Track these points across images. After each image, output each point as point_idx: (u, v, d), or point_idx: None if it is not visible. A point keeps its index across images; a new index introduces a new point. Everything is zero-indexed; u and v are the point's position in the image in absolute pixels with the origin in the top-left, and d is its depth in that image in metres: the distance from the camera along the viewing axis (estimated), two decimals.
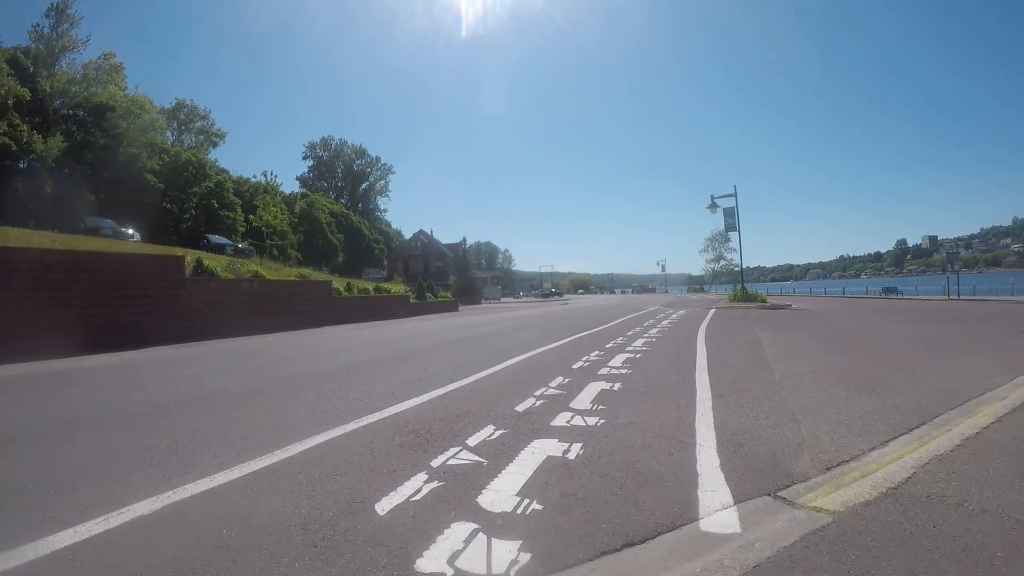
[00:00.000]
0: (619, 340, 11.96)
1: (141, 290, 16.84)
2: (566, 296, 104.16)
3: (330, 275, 31.37)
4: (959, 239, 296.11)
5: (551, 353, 10.12)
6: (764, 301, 30.32)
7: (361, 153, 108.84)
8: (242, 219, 55.91)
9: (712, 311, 24.16)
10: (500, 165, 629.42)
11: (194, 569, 2.50)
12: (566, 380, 7.08)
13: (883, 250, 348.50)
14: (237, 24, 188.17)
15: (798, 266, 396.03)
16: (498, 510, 3.07)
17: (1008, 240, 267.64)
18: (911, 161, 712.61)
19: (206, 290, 19.28)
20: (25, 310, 13.38)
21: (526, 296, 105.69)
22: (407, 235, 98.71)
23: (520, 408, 5.57)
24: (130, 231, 30.84)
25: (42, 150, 44.99)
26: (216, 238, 38.71)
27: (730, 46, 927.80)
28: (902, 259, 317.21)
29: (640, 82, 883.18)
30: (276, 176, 66.35)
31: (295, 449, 4.36)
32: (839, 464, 3.82)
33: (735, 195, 30.59)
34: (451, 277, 77.01)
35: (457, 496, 3.30)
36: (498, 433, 4.64)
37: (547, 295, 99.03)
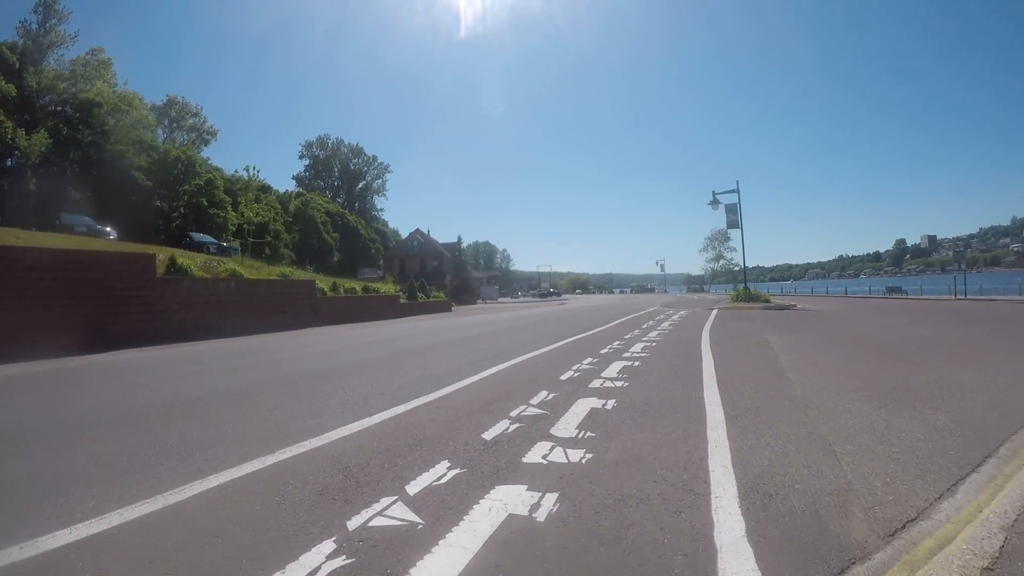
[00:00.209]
0: (616, 345, 10.90)
1: (108, 290, 15.82)
2: (564, 296, 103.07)
3: (316, 274, 30.30)
4: (958, 239, 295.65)
5: (539, 360, 9.06)
6: (768, 301, 29.19)
7: (358, 152, 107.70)
8: (233, 217, 54.78)
9: (714, 312, 23.09)
10: (499, 165, 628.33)
11: None
12: (551, 395, 6.01)
13: (882, 250, 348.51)
14: (235, 23, 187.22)
15: (797, 266, 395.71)
16: None
17: (1007, 240, 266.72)
18: (910, 161, 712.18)
19: (179, 290, 18.25)
20: None
21: (524, 296, 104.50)
22: (404, 235, 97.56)
23: (488, 435, 4.50)
24: (107, 229, 29.75)
25: (26, 147, 43.86)
26: (199, 236, 37.59)
27: (729, 47, 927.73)
28: (901, 259, 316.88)
29: (639, 82, 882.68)
30: (259, 171, 64.47)
31: (177, 495, 3.30)
32: (904, 526, 2.80)
33: (737, 191, 29.44)
34: (447, 277, 75.91)
35: None
36: (451, 474, 3.58)
37: (545, 295, 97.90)
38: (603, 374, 7.29)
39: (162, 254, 20.07)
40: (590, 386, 6.49)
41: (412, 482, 3.46)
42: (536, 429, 4.64)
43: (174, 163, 55.08)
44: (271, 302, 21.43)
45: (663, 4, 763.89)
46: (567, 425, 4.74)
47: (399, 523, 2.85)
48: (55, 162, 47.36)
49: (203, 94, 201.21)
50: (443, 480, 3.48)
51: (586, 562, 2.42)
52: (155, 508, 3.16)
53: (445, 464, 3.79)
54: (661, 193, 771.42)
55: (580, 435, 4.43)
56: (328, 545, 2.61)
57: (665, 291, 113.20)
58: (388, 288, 33.29)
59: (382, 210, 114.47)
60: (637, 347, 10.34)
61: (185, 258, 20.69)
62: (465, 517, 2.90)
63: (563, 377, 7.13)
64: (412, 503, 3.12)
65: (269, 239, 60.20)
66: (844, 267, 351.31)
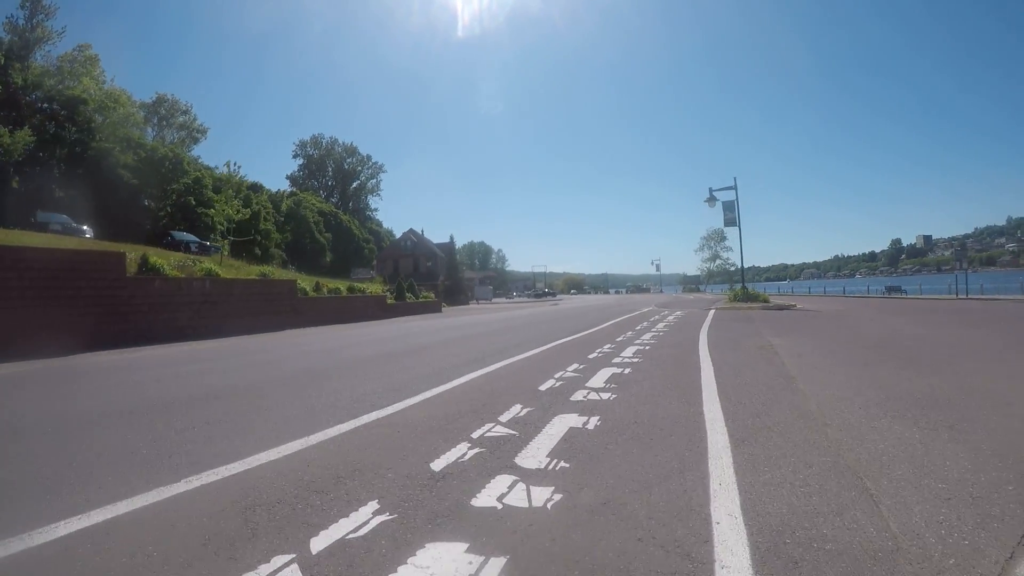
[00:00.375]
0: (606, 348, 10.05)
1: (76, 290, 15.00)
2: (559, 296, 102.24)
3: (301, 274, 29.42)
4: (953, 239, 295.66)
5: (520, 366, 8.21)
6: (767, 301, 28.32)
7: (352, 151, 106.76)
8: (215, 215, 53.73)
9: (712, 312, 22.25)
10: (495, 167, 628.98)
11: None
12: (524, 411, 5.15)
13: (878, 250, 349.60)
14: (229, 22, 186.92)
15: (792, 266, 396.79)
16: None
17: (1003, 240, 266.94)
18: (905, 162, 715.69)
19: (150, 290, 17.40)
20: None
21: (519, 296, 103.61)
22: (399, 236, 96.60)
23: (438, 464, 3.68)
24: (84, 228, 28.82)
25: (8, 144, 42.83)
26: (181, 235, 36.67)
27: (723, 50, 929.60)
28: (897, 259, 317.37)
29: (634, 85, 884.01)
30: (240, 167, 63.12)
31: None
32: None
33: (735, 187, 28.53)
34: (440, 277, 75.05)
35: None
36: (375, 522, 2.74)
37: (540, 295, 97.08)
38: (588, 383, 6.43)
39: (134, 253, 19.22)
40: (572, 399, 5.63)
41: (322, 532, 2.62)
42: (498, 456, 3.79)
43: (161, 161, 54.13)
44: (249, 303, 20.54)
45: (657, 7, 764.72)
46: (537, 452, 3.89)
47: None
48: (40, 160, 46.47)
49: (199, 93, 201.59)
50: (362, 531, 2.63)
51: None
52: None
53: (372, 506, 2.94)
54: (656, 194, 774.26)
55: (551, 466, 3.58)
56: None
57: (661, 291, 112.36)
58: (375, 288, 32.34)
59: (376, 210, 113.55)
60: (629, 351, 9.48)
61: (159, 257, 19.80)
62: None
63: (543, 387, 6.28)
64: (310, 567, 2.27)
65: (258, 238, 59.22)
66: (840, 267, 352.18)
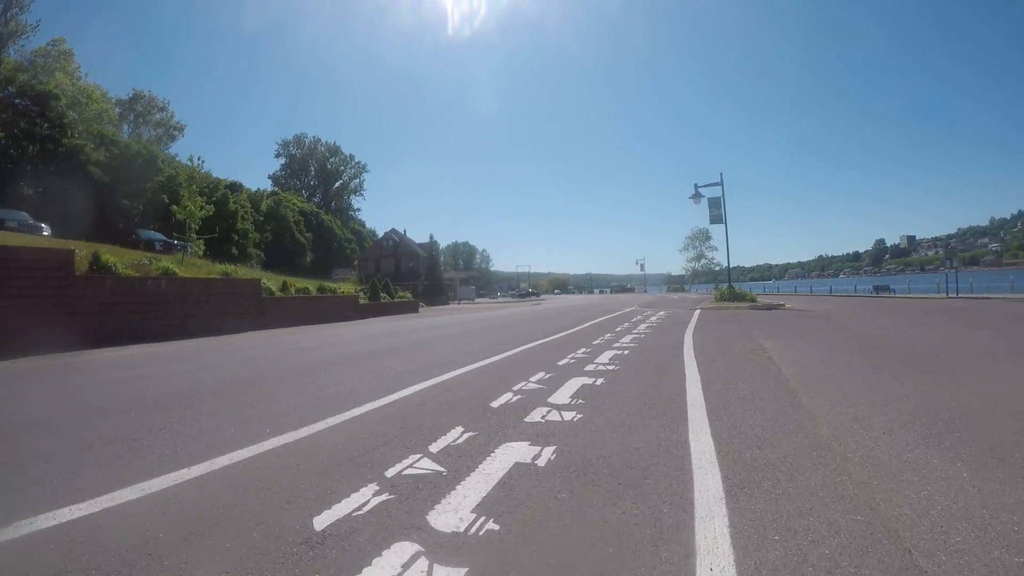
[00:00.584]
0: (580, 353, 9.00)
1: (19, 289, 13.86)
2: (543, 296, 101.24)
3: (266, 272, 28.10)
4: (937, 239, 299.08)
5: (478, 375, 7.15)
6: (754, 300, 27.36)
7: (335, 151, 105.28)
8: (186, 213, 52.05)
9: (697, 312, 21.27)
10: (482, 168, 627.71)
11: None
12: (462, 438, 4.11)
13: (861, 250, 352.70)
14: (219, 21, 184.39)
15: (777, 266, 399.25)
16: None
17: (986, 240, 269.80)
18: (889, 163, 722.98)
19: (101, 290, 16.23)
20: None
21: (503, 296, 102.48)
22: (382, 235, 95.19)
23: (321, 521, 2.67)
24: (42, 225, 27.46)
25: None
26: (147, 233, 35.27)
27: (708, 52, 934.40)
28: (881, 259, 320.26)
29: (621, 88, 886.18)
30: (203, 161, 61.29)
31: None
32: None
33: (721, 183, 27.52)
34: (421, 277, 73.88)
35: None
36: None
37: (524, 295, 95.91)
38: (552, 398, 5.38)
39: (85, 251, 18.03)
40: (527, 419, 4.59)
41: None
42: (407, 510, 2.76)
43: (135, 158, 52.56)
44: (208, 303, 19.34)
45: (642, 10, 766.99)
46: (462, 503, 2.85)
47: None
48: (11, 157, 44.90)
49: (187, 93, 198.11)
50: None
51: None
52: None
53: None
54: (641, 196, 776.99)
55: (475, 527, 2.55)
56: None
57: (645, 291, 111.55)
58: (347, 288, 31.04)
59: (359, 210, 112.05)
60: (605, 357, 8.41)
61: (111, 255, 18.62)
62: None
63: (496, 403, 5.23)
64: None
65: (235, 236, 57.66)
66: (824, 267, 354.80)
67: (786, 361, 7.49)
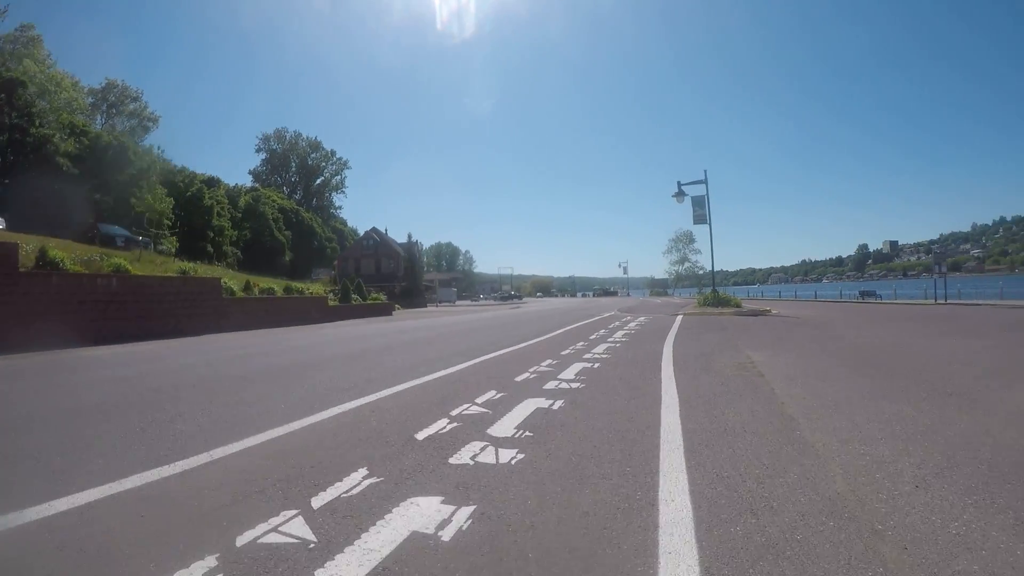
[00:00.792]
0: (545, 366, 7.89)
1: None
2: (525, 299, 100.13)
3: (228, 270, 26.86)
4: (919, 244, 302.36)
5: (413, 394, 6.00)
6: (739, 306, 26.35)
7: (316, 146, 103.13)
8: (169, 210, 50.58)
9: (679, 318, 20.27)
10: (469, 169, 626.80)
11: None
12: (362, 485, 3.09)
13: (844, 255, 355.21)
14: (213, 14, 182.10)
15: (760, 270, 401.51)
16: None
17: (967, 245, 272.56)
18: (871, 169, 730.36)
19: (47, 287, 15.20)
20: None
21: (485, 299, 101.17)
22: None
23: None
24: None
25: None
26: (110, 228, 33.71)
27: (690, 56, 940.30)
28: (864, 264, 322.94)
29: (603, 92, 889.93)
30: (163, 151, 58.74)
31: None
32: None
33: (705, 181, 26.46)
34: (400, 278, 72.61)
35: None
36: None
37: (506, 298, 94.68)
38: (492, 429, 4.31)
39: (34, 245, 16.85)
40: (453, 460, 3.55)
41: None
42: None
43: (105, 149, 50.83)
44: (163, 304, 18.10)
45: (625, 14, 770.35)
46: None
47: None
48: None
49: (179, 88, 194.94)
50: None
51: None
52: None
53: None
54: (625, 200, 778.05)
55: None
56: None
57: (628, 295, 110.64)
58: (316, 289, 29.62)
59: (340, 208, 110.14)
60: (571, 371, 7.32)
61: (62, 250, 17.43)
62: None
63: (422, 434, 4.17)
64: None
65: (227, 234, 56.23)
66: (807, 271, 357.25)
67: (779, 378, 6.48)
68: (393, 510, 2.75)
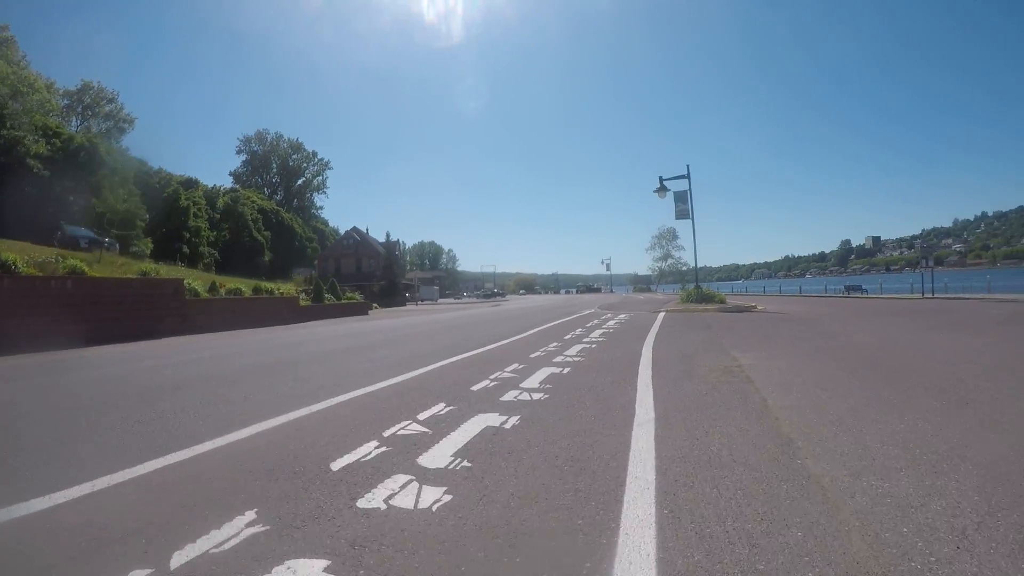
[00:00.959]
0: (509, 371, 7.08)
1: None
2: (507, 297, 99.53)
3: (193, 270, 25.88)
4: (901, 239, 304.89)
5: (348, 408, 5.16)
6: (724, 302, 25.68)
7: (297, 147, 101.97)
8: (141, 210, 49.36)
9: (661, 315, 19.54)
10: (456, 169, 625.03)
11: None
12: (239, 536, 2.27)
13: (827, 250, 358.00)
14: (203, 15, 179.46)
15: (743, 266, 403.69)
16: None
17: (949, 240, 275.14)
18: (853, 165, 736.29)
19: None
20: None
21: (468, 296, 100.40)
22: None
23: None
24: None
25: None
26: (76, 229, 32.60)
27: (672, 54, 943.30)
28: (846, 259, 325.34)
29: (584, 91, 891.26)
30: (130, 151, 57.44)
31: None
32: None
33: (688, 176, 25.75)
34: (379, 276, 71.62)
35: None
36: None
37: (489, 296, 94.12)
38: (424, 458, 3.49)
39: None
40: (362, 503, 2.76)
41: None
42: None
43: (77, 151, 49.48)
44: (122, 306, 17.21)
45: (605, 13, 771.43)
46: None
47: None
48: None
49: (165, 91, 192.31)
50: None
51: None
52: None
53: None
54: (608, 198, 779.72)
55: None
56: None
57: (611, 291, 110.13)
58: (287, 288, 28.55)
59: (321, 208, 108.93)
60: (536, 379, 6.51)
61: (16, 252, 16.56)
62: None
63: (337, 465, 3.37)
64: None
65: (204, 235, 54.89)
66: (790, 267, 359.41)
67: (770, 385, 5.72)
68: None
